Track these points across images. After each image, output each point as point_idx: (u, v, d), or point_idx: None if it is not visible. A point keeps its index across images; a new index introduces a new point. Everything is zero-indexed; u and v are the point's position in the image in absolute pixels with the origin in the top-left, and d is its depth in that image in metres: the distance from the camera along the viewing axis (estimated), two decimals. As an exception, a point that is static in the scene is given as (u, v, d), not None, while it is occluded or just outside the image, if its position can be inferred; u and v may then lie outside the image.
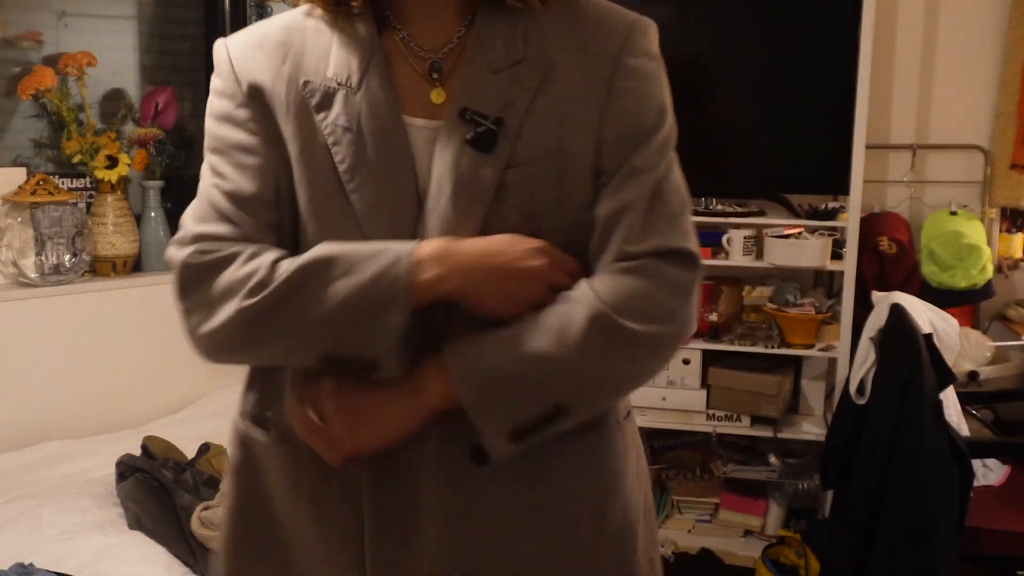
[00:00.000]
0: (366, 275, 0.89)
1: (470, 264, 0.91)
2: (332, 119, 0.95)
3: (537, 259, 0.93)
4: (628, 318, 0.90)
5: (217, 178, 0.98)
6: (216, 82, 1.01)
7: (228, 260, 0.95)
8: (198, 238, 0.97)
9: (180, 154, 2.86)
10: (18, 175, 2.50)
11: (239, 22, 2.98)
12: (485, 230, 0.93)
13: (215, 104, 1.00)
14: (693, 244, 0.98)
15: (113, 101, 2.79)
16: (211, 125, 1.00)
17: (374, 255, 0.90)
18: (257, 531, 1.08)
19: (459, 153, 0.93)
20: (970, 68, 3.22)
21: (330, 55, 0.97)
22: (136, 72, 2.89)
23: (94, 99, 2.70)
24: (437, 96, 0.97)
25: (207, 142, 1.00)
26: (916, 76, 3.25)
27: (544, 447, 0.94)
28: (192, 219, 0.99)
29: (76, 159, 2.55)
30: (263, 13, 2.75)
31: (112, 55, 2.80)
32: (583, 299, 0.91)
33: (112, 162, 2.57)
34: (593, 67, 0.96)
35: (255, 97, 0.98)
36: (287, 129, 0.97)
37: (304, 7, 1.02)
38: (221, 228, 0.96)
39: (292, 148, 0.97)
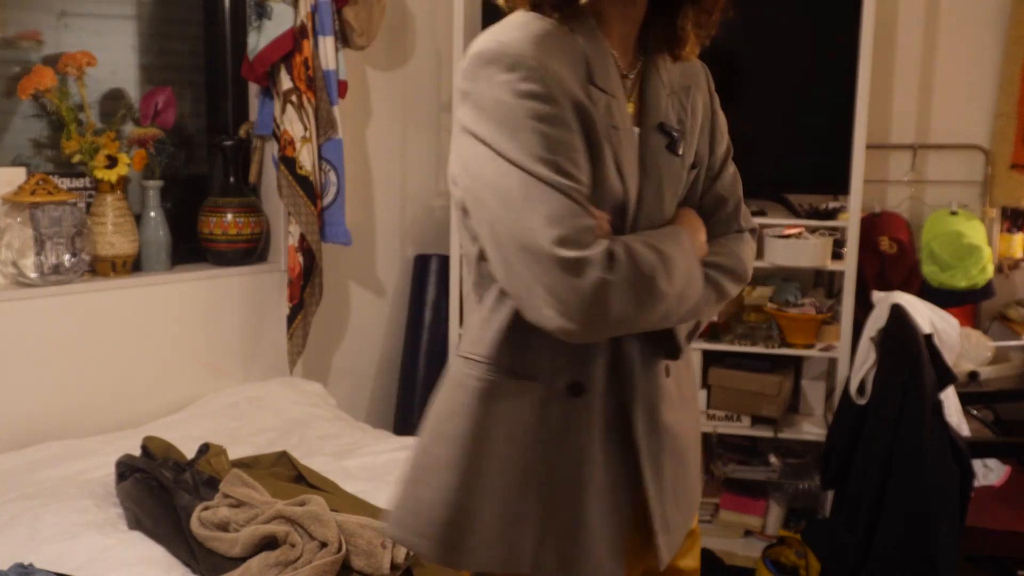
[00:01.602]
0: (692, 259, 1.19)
1: (700, 245, 1.26)
2: (608, 122, 1.15)
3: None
4: (746, 273, 1.31)
5: (565, 178, 1.07)
6: (529, 86, 1.08)
7: (609, 252, 1.08)
8: (588, 234, 1.07)
9: (180, 154, 2.85)
10: (18, 175, 2.50)
11: (239, 22, 2.98)
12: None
13: (539, 108, 1.08)
14: None
15: (113, 101, 2.79)
16: (539, 127, 1.07)
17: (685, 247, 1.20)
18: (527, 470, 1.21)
19: (661, 156, 1.22)
20: (970, 68, 3.22)
21: (590, 64, 1.15)
22: (136, 72, 2.89)
23: (94, 99, 2.70)
24: (630, 108, 1.22)
25: (532, 142, 1.07)
26: (916, 76, 3.25)
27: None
28: (557, 221, 1.06)
29: (76, 159, 2.55)
30: (263, 13, 2.75)
31: (112, 55, 2.80)
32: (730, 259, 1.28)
33: (112, 162, 2.57)
34: (704, 96, 1.32)
35: (569, 100, 1.11)
36: (582, 128, 1.12)
37: (533, 15, 1.16)
38: (590, 222, 1.09)
39: (584, 144, 1.13)
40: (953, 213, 3.09)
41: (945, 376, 2.47)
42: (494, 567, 1.21)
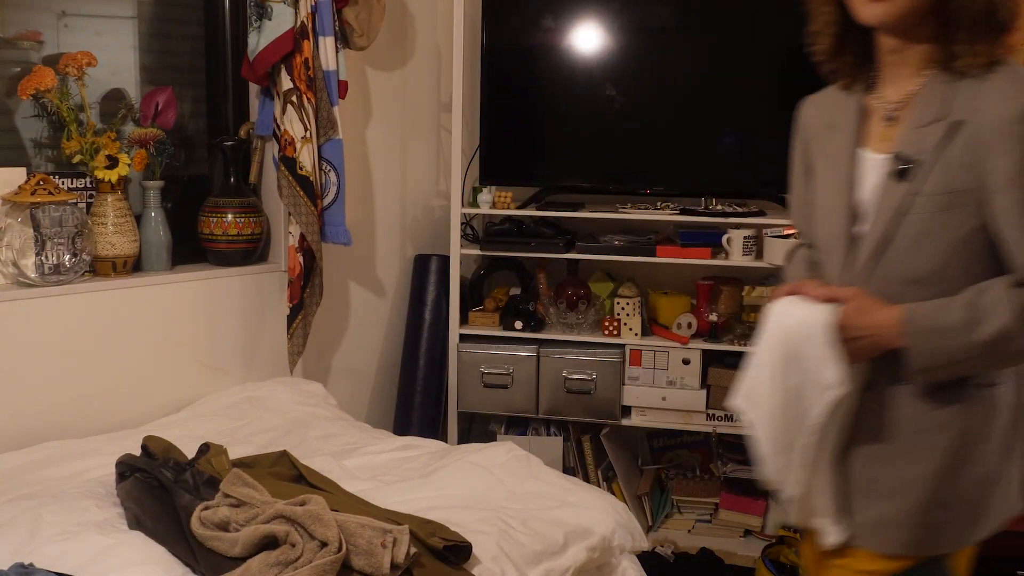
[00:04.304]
0: None
1: None
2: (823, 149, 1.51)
3: None
4: None
5: None
6: None
7: None
8: None
9: (180, 154, 2.86)
10: (18, 175, 2.50)
11: (239, 22, 2.98)
12: (892, 236, 1.37)
13: None
14: None
15: (113, 101, 2.79)
16: None
17: None
18: None
19: (885, 181, 1.38)
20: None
21: (836, 110, 1.50)
22: (136, 72, 2.89)
23: (94, 99, 2.70)
24: (885, 137, 1.41)
25: None
26: (916, 76, 3.25)
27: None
28: None
29: (76, 159, 2.55)
30: (263, 13, 2.75)
31: (112, 55, 2.80)
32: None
33: (112, 162, 2.57)
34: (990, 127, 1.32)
35: None
36: None
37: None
38: None
39: None
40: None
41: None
42: None
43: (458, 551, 1.81)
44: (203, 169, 3.08)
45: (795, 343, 1.38)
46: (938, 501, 1.39)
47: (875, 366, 1.40)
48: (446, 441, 3.04)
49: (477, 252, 3.31)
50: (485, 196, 3.22)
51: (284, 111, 2.79)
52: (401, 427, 3.32)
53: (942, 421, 1.38)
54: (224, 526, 1.82)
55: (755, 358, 1.44)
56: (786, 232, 3.00)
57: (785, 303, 1.43)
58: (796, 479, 1.43)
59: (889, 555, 1.42)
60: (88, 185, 2.67)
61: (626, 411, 3.14)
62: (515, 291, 3.41)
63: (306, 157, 2.80)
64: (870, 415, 1.42)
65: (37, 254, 2.45)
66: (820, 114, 1.55)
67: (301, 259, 2.85)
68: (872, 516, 1.42)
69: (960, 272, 1.35)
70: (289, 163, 2.79)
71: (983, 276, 1.35)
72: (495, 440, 3.14)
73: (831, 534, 1.48)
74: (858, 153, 1.45)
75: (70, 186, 2.64)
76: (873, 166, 1.42)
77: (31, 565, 1.70)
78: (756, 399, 1.43)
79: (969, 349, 1.31)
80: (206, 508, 1.87)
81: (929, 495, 1.39)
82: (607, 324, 3.15)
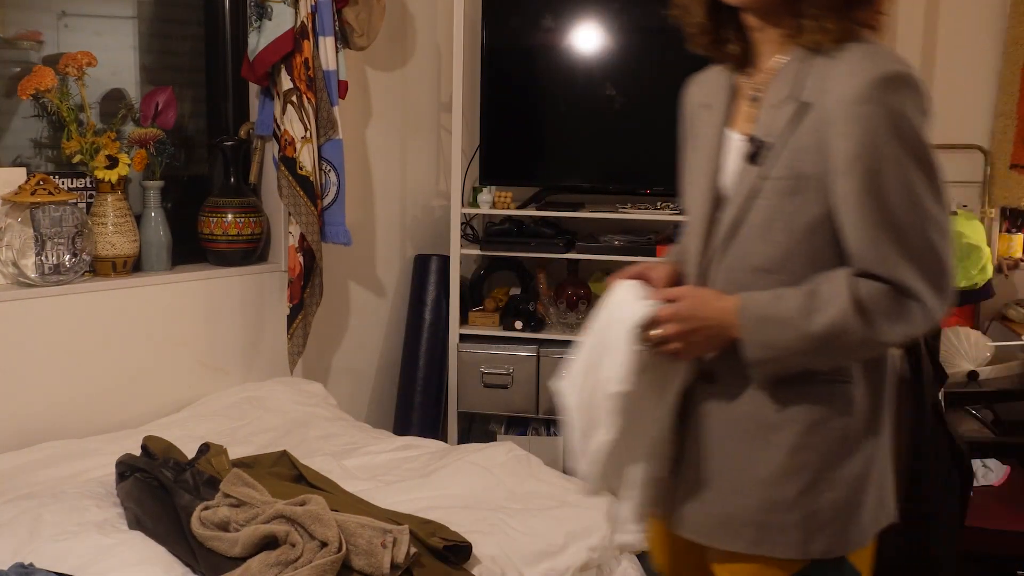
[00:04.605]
0: None
1: None
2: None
3: None
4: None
5: None
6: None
7: None
8: None
9: (180, 154, 2.86)
10: (18, 175, 2.50)
11: (239, 22, 2.98)
12: (741, 221, 1.31)
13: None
14: None
15: (113, 101, 2.79)
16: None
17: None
18: None
19: (740, 164, 1.33)
20: (970, 68, 3.22)
21: (711, 89, 1.44)
22: (136, 72, 2.89)
23: (94, 99, 2.70)
24: (749, 118, 1.35)
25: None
26: (916, 76, 3.25)
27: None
28: None
29: (76, 159, 2.55)
30: (263, 13, 2.75)
31: (112, 55, 2.80)
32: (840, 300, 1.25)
33: (112, 162, 2.57)
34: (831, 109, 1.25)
35: None
36: None
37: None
38: None
39: None
40: (953, 213, 3.09)
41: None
42: None
43: (458, 551, 1.81)
44: (203, 169, 3.07)
45: (607, 336, 1.32)
46: (785, 500, 1.31)
47: (718, 361, 1.34)
48: (446, 441, 3.04)
49: (477, 252, 3.31)
50: (485, 196, 3.22)
51: (284, 111, 2.79)
52: (401, 427, 3.32)
53: (787, 417, 1.30)
54: (224, 526, 1.82)
55: (581, 341, 1.37)
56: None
57: (618, 290, 1.37)
58: (594, 475, 1.36)
59: (746, 554, 1.34)
60: (88, 185, 2.67)
61: (626, 411, 3.14)
62: (515, 291, 3.41)
63: (306, 157, 2.80)
64: (715, 411, 1.36)
65: (37, 254, 2.45)
66: (699, 93, 1.48)
67: (301, 259, 2.85)
68: (717, 513, 1.35)
69: (806, 261, 1.28)
70: (289, 163, 2.79)
71: (829, 266, 1.27)
72: (495, 440, 3.14)
73: (630, 532, 1.45)
74: (725, 134, 1.39)
75: (70, 186, 2.64)
76: (736, 148, 1.36)
77: (31, 565, 1.70)
78: (569, 386, 1.37)
79: (803, 340, 1.24)
80: (206, 508, 1.87)
81: (774, 493, 1.31)
82: (607, 324, 3.15)
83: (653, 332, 1.31)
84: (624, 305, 1.33)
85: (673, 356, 1.33)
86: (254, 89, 2.99)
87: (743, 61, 1.40)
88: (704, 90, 1.47)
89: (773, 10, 1.31)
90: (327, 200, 2.91)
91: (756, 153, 1.30)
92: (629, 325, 1.30)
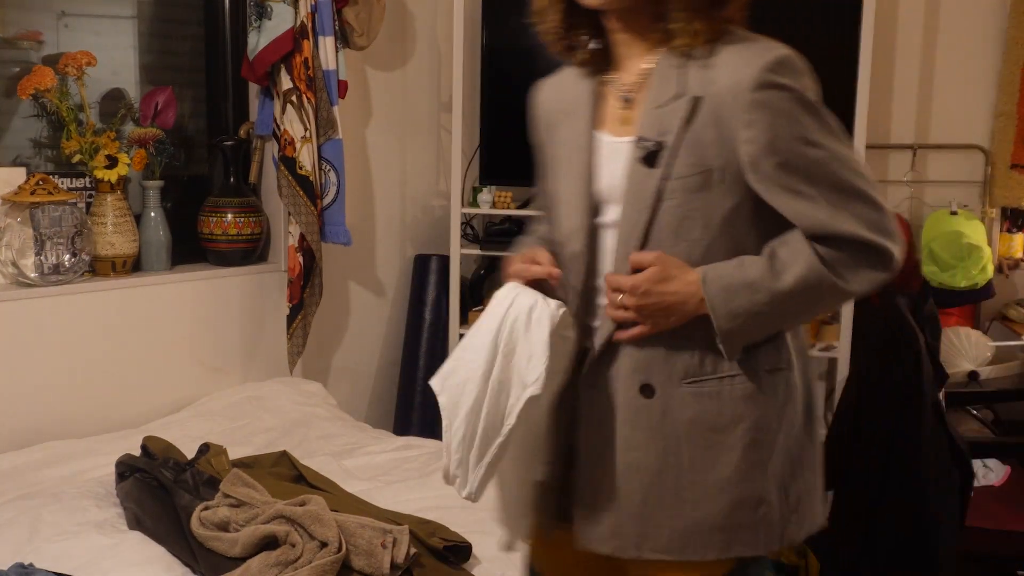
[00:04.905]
0: None
1: None
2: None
3: None
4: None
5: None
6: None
7: None
8: None
9: (180, 154, 2.85)
10: (18, 175, 2.49)
11: (239, 22, 2.98)
12: (650, 224, 1.28)
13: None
14: None
15: (113, 101, 2.79)
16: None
17: None
18: None
19: (633, 167, 1.29)
20: (970, 68, 3.22)
21: (570, 93, 1.41)
22: (136, 72, 2.89)
23: (94, 99, 2.70)
24: (624, 120, 1.34)
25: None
26: (916, 76, 3.25)
27: None
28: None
29: (76, 159, 2.55)
30: (263, 13, 2.75)
31: (112, 55, 2.80)
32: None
33: (112, 162, 2.57)
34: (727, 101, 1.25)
35: None
36: None
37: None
38: None
39: None
40: (953, 213, 3.09)
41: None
42: None
43: (458, 551, 1.81)
44: (203, 169, 3.07)
45: (512, 334, 1.28)
46: (749, 498, 1.30)
47: (653, 374, 1.30)
48: (446, 441, 3.03)
49: (477, 252, 3.31)
50: (485, 196, 3.22)
51: (284, 111, 2.78)
52: (401, 427, 3.32)
53: (737, 414, 1.29)
54: (224, 526, 1.82)
55: (468, 340, 1.33)
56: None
57: (514, 289, 1.33)
58: (479, 479, 1.33)
59: (710, 561, 1.31)
60: (88, 185, 2.67)
61: (626, 411, 3.13)
62: (515, 291, 3.40)
63: (306, 157, 2.79)
64: (658, 425, 1.30)
65: (37, 254, 2.45)
66: (555, 99, 1.44)
67: (301, 259, 2.85)
68: (682, 526, 1.30)
69: (729, 251, 1.28)
70: (289, 163, 2.79)
71: (753, 252, 1.28)
72: (495, 440, 3.13)
73: (509, 544, 1.41)
74: (596, 138, 1.36)
75: (70, 186, 2.64)
76: (613, 151, 1.33)
77: (31, 565, 1.70)
78: (458, 385, 1.31)
79: (775, 301, 1.25)
80: (206, 508, 1.87)
81: (740, 492, 1.29)
82: (607, 324, 3.15)
83: (614, 299, 1.29)
84: (525, 304, 1.30)
85: (631, 332, 1.29)
86: (254, 89, 2.99)
87: (602, 64, 1.38)
88: (561, 96, 1.43)
89: (636, 13, 1.30)
90: (327, 200, 2.91)
91: (654, 154, 1.27)
92: (548, 325, 1.27)
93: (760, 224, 1.28)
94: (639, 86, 1.32)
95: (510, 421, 1.28)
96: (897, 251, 1.27)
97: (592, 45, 1.37)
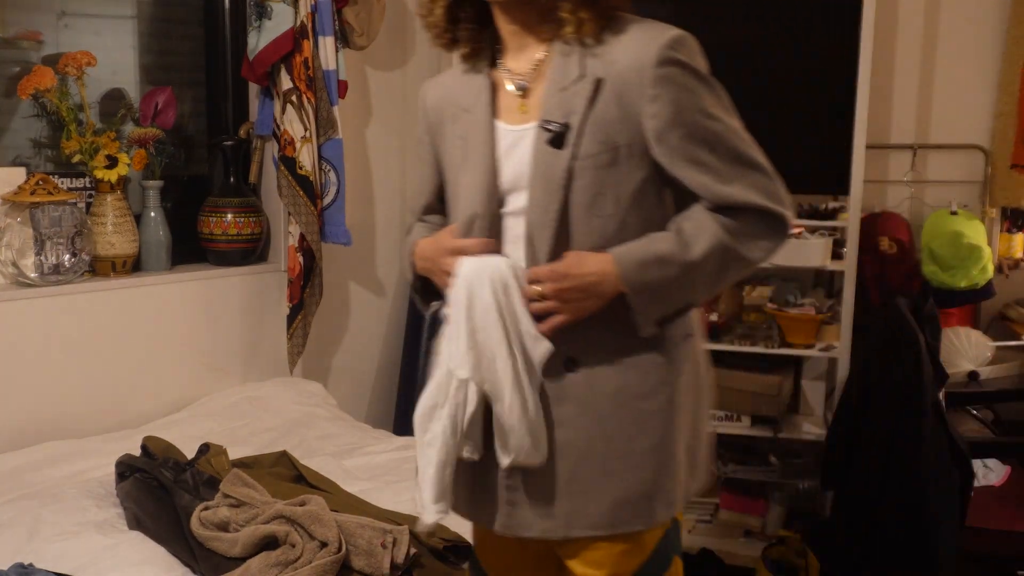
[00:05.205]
0: None
1: None
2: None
3: None
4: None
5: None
6: None
7: None
8: None
9: (180, 154, 2.85)
10: (18, 175, 2.49)
11: (239, 22, 2.98)
12: (564, 205, 1.31)
13: None
14: None
15: (113, 101, 2.79)
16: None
17: None
18: None
19: (539, 151, 1.32)
20: (970, 68, 3.22)
21: (462, 88, 1.43)
22: (136, 72, 2.89)
23: (94, 99, 2.70)
24: (522, 109, 1.36)
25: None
26: (916, 76, 3.25)
27: None
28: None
29: (76, 159, 2.55)
30: (263, 13, 2.75)
31: (112, 55, 2.80)
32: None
33: (112, 162, 2.57)
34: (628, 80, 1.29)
35: None
36: None
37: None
38: None
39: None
40: (953, 213, 3.09)
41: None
42: None
43: (458, 551, 1.81)
44: (203, 169, 3.07)
45: (508, 298, 1.30)
46: (671, 461, 1.34)
47: (576, 347, 1.32)
48: (446, 441, 3.03)
49: (477, 252, 3.30)
50: (485, 196, 3.22)
51: (284, 111, 2.78)
52: (401, 427, 3.32)
53: (656, 381, 1.33)
54: (224, 526, 1.82)
55: (461, 326, 1.33)
56: (786, 232, 2.99)
57: (472, 261, 1.33)
58: (542, 440, 1.33)
59: (637, 532, 1.34)
60: (88, 185, 2.66)
61: (626, 411, 3.13)
62: (515, 291, 3.40)
63: (306, 157, 2.79)
64: (584, 399, 1.33)
65: (37, 254, 2.45)
66: (446, 95, 1.48)
67: (301, 259, 2.85)
68: (612, 499, 1.32)
69: (640, 225, 1.31)
70: (289, 163, 2.79)
71: (662, 226, 1.32)
72: (495, 440, 3.13)
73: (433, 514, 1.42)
74: (496, 128, 1.38)
75: (70, 186, 2.64)
76: (513, 140, 1.36)
77: (31, 565, 1.70)
78: (489, 368, 1.31)
79: (687, 273, 1.28)
80: (206, 508, 1.87)
81: (665, 458, 1.33)
82: (607, 324, 3.15)
83: (531, 289, 1.30)
84: (492, 268, 1.32)
85: (551, 321, 1.30)
86: (254, 89, 2.99)
87: (487, 57, 1.41)
88: (452, 92, 1.46)
89: (524, 5, 1.33)
90: (327, 200, 2.91)
91: (560, 136, 1.30)
92: (515, 276, 1.31)
93: (666, 198, 1.34)
94: (533, 75, 1.35)
95: (537, 376, 1.32)
96: (789, 216, 1.32)
97: (476, 42, 1.40)
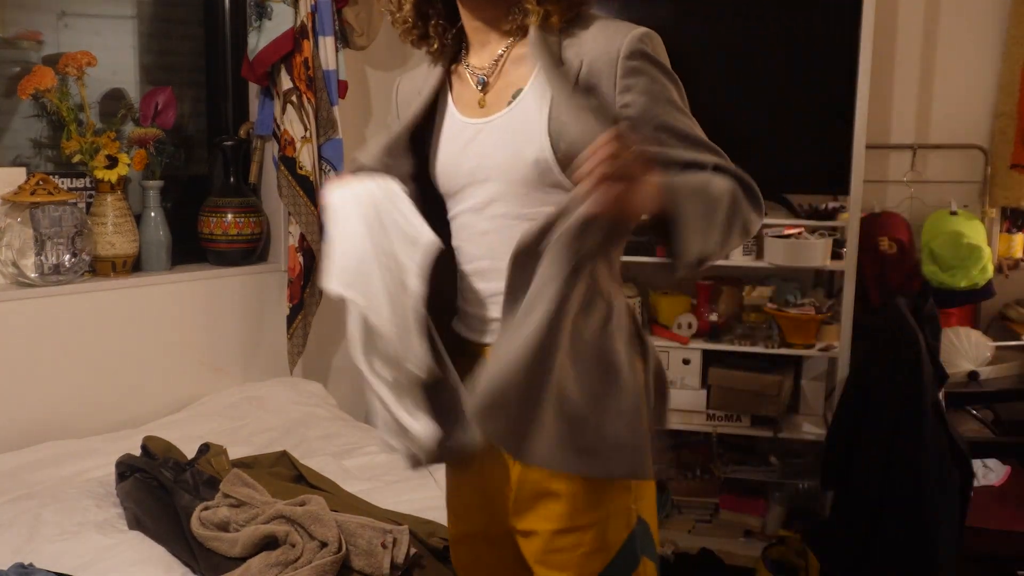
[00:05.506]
0: None
1: None
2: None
3: None
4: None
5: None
6: None
7: None
8: None
9: (180, 154, 2.86)
10: (18, 175, 2.50)
11: (239, 22, 2.98)
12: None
13: None
14: None
15: (113, 101, 2.79)
16: None
17: None
18: None
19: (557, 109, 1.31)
20: (970, 68, 3.22)
21: (428, 82, 1.44)
22: (136, 72, 2.89)
23: (94, 99, 2.70)
24: (481, 102, 1.39)
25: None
26: (916, 76, 3.25)
27: None
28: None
29: (76, 159, 2.55)
30: (263, 13, 2.75)
31: (112, 55, 2.80)
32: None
33: (112, 162, 2.57)
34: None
35: None
36: None
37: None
38: None
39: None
40: (953, 213, 3.09)
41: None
42: None
43: (458, 551, 1.81)
44: (203, 169, 3.07)
45: (375, 212, 1.28)
46: (637, 424, 1.30)
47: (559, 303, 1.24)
48: (446, 441, 3.03)
49: (477, 252, 3.30)
50: (485, 196, 3.22)
51: (284, 111, 2.78)
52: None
53: (627, 360, 1.31)
54: (224, 526, 1.82)
55: (337, 243, 1.29)
56: (786, 232, 3.00)
57: (344, 186, 1.32)
58: (420, 352, 1.28)
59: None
60: (88, 185, 2.67)
61: (626, 411, 3.13)
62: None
63: (306, 157, 2.80)
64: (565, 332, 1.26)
65: (37, 254, 2.45)
66: (413, 87, 1.49)
67: (301, 259, 2.85)
68: (610, 444, 1.29)
69: None
70: (289, 163, 2.79)
71: None
72: (495, 440, 3.13)
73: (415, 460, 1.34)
74: (458, 119, 1.40)
75: (70, 186, 2.64)
76: (472, 133, 1.37)
77: (31, 565, 1.70)
78: (361, 279, 1.27)
79: (714, 204, 1.27)
80: (206, 508, 1.87)
81: (635, 421, 1.30)
82: (607, 324, 3.15)
83: (603, 150, 1.16)
84: (366, 187, 1.29)
85: (610, 197, 1.18)
86: (254, 89, 2.99)
87: (455, 53, 1.44)
88: (417, 84, 1.48)
89: (491, 1, 1.35)
90: (327, 200, 2.90)
91: (584, 84, 1.30)
92: (399, 189, 1.30)
93: None
94: (492, 70, 1.38)
95: (412, 281, 1.27)
96: (760, 194, 1.34)
97: (444, 38, 1.42)
